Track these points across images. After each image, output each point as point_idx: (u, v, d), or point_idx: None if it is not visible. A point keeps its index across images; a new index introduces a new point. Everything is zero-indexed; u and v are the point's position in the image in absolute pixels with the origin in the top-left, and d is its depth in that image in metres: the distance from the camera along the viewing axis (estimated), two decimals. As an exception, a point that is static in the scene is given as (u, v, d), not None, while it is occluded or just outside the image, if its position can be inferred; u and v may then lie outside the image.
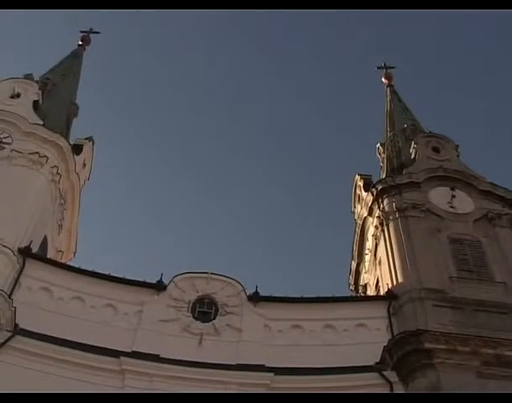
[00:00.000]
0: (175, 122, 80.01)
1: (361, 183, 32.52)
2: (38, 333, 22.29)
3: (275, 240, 74.22)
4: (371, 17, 74.21)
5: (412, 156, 32.52)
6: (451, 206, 28.40)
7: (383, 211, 28.75)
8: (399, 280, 25.30)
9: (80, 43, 42.03)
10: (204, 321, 24.02)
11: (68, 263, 30.55)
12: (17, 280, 23.93)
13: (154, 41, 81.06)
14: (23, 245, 25.00)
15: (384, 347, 22.54)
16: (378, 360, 22.45)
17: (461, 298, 23.91)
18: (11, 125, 29.75)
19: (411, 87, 74.02)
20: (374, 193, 29.66)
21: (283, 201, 75.94)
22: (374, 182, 30.83)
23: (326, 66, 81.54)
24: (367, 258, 31.07)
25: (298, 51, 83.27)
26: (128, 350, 22.61)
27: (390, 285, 25.57)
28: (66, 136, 32.33)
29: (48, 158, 28.92)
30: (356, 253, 32.63)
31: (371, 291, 29.98)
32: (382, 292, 26.68)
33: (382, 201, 29.19)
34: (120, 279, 25.03)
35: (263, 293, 25.17)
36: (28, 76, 34.09)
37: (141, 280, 25.18)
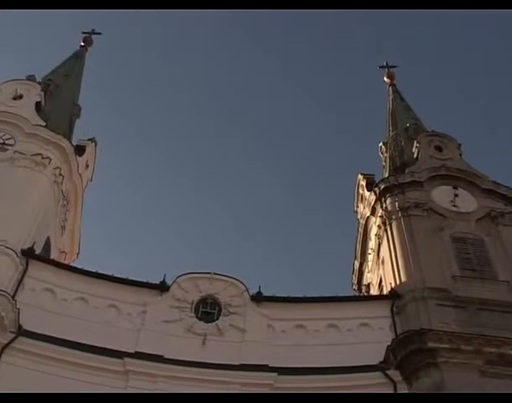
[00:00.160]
0: (177, 122, 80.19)
1: (363, 182, 32.53)
2: (41, 334, 22.33)
3: (278, 240, 74.32)
4: (372, 16, 74.39)
5: (415, 155, 32.50)
6: (454, 205, 28.38)
7: (385, 210, 28.75)
8: (403, 279, 25.30)
9: (83, 44, 42.06)
10: (207, 322, 24.04)
11: (71, 264, 30.56)
12: (20, 281, 23.97)
13: (155, 42, 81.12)
14: (26, 246, 25.05)
15: (388, 346, 22.53)
16: (381, 359, 22.45)
17: (464, 297, 23.89)
18: (14, 126, 29.79)
19: (413, 86, 74.17)
20: (377, 192, 29.65)
21: (285, 201, 76.04)
22: (377, 181, 30.81)
23: (328, 66, 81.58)
24: (370, 257, 31.06)
25: (299, 51, 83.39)
26: (132, 351, 22.63)
27: (393, 285, 25.57)
28: (69, 137, 32.38)
29: (50, 159, 28.96)
30: (359, 253, 32.63)
31: (374, 291, 29.97)
32: (385, 291, 26.68)
33: (385, 201, 29.18)
34: (123, 279, 25.05)
35: (266, 293, 25.19)
36: (31, 78, 34.13)
37: (144, 280, 25.20)
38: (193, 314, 24.22)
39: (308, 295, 25.34)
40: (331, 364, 22.36)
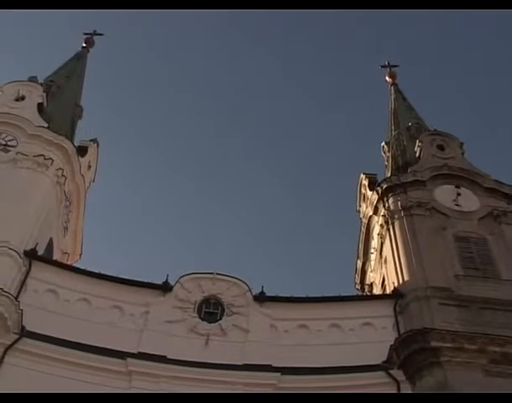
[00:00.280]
0: (180, 123, 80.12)
1: (366, 182, 32.50)
2: (44, 335, 22.35)
3: (281, 240, 74.28)
4: (373, 16, 74.33)
5: (417, 154, 32.46)
6: (457, 204, 28.34)
7: (388, 209, 28.73)
8: (405, 278, 25.28)
9: (84, 45, 42.07)
10: (210, 322, 24.04)
11: (74, 264, 30.58)
12: (23, 282, 23.99)
13: (155, 42, 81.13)
14: (29, 247, 25.08)
15: (391, 345, 22.53)
16: (384, 359, 22.45)
17: (467, 296, 23.86)
18: (16, 128, 29.81)
19: (415, 86, 74.12)
20: (379, 192, 29.64)
21: (287, 201, 76.06)
22: (379, 181, 30.82)
23: (329, 66, 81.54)
24: (372, 257, 31.04)
25: (300, 51, 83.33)
26: (135, 351, 22.65)
27: (396, 284, 25.56)
28: (71, 138, 32.41)
29: (53, 160, 28.99)
30: (361, 253, 32.61)
31: (377, 290, 29.95)
32: (388, 291, 26.66)
33: (387, 200, 29.15)
34: (126, 280, 25.06)
35: (269, 293, 25.20)
36: (33, 79, 34.16)
37: (147, 281, 25.22)
38: (196, 314, 24.23)
39: (311, 294, 25.36)
40: (334, 364, 22.35)
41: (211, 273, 25.63)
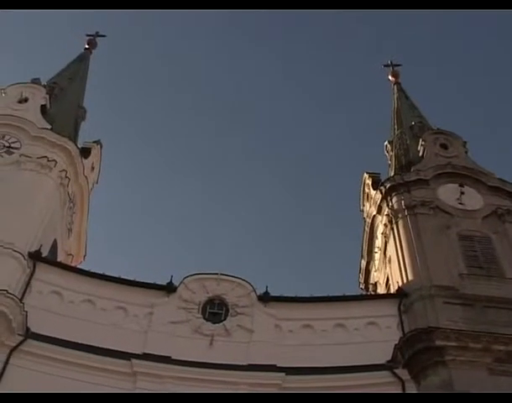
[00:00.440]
0: (183, 123, 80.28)
1: (369, 181, 32.50)
2: (49, 337, 22.39)
3: (284, 240, 74.26)
4: (375, 16, 74.34)
5: (420, 153, 32.46)
6: (461, 203, 28.32)
7: (392, 209, 28.73)
8: (409, 277, 25.27)
9: (87, 46, 42.09)
10: (215, 322, 24.05)
11: (78, 266, 30.70)
12: (28, 284, 24.03)
13: (156, 42, 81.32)
14: (33, 249, 25.13)
15: (395, 345, 22.52)
16: (389, 358, 22.45)
17: (471, 295, 23.85)
18: (19, 130, 29.85)
19: (418, 85, 74.02)
20: (383, 191, 29.63)
21: (291, 201, 76.05)
22: (383, 180, 30.81)
23: (332, 65, 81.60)
24: (376, 256, 31.04)
25: (301, 51, 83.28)
26: (139, 352, 22.66)
27: (400, 283, 25.56)
28: (74, 140, 32.40)
29: (56, 162, 29.02)
30: (365, 252, 32.62)
31: (381, 290, 29.95)
32: (392, 290, 26.66)
33: (391, 199, 29.15)
34: (130, 281, 25.09)
35: (273, 293, 25.19)
36: (36, 81, 34.19)
37: (151, 281, 25.25)
38: (200, 315, 24.24)
39: (315, 294, 25.33)
40: (338, 364, 22.35)
41: (216, 273, 25.63)
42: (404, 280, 25.41)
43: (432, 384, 21.20)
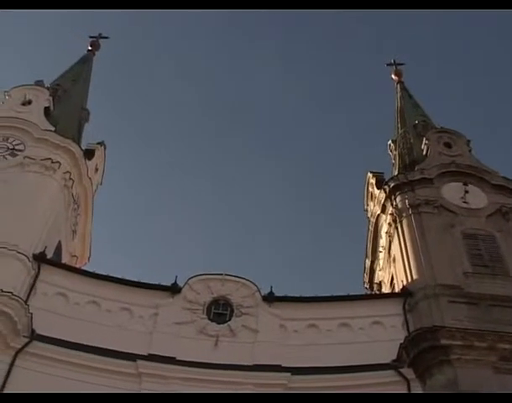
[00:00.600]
0: (187, 123, 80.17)
1: (373, 180, 32.49)
2: (54, 338, 22.41)
3: (289, 240, 74.27)
4: (377, 15, 74.16)
5: (424, 152, 32.41)
6: (465, 202, 28.28)
7: (396, 208, 28.70)
8: (414, 276, 25.25)
9: (90, 48, 42.16)
10: (219, 323, 24.06)
11: (83, 267, 30.75)
12: (32, 285, 24.07)
13: (160, 44, 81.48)
14: (37, 251, 25.15)
15: (401, 344, 22.50)
16: (394, 358, 22.42)
17: (476, 293, 23.82)
18: (23, 132, 29.90)
19: (421, 83, 73.97)
20: (387, 190, 29.62)
21: (295, 201, 75.99)
22: (387, 179, 30.81)
23: (334, 65, 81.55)
24: (381, 255, 31.02)
25: (304, 50, 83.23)
26: (145, 353, 22.67)
27: (405, 282, 25.53)
28: (78, 141, 32.46)
29: (60, 163, 29.04)
30: (370, 251, 32.61)
31: (386, 289, 29.94)
32: (397, 289, 26.64)
33: (395, 198, 29.13)
34: (135, 282, 25.10)
35: (277, 293, 25.18)
36: (39, 83, 34.25)
37: (156, 282, 25.28)
38: (205, 315, 24.25)
39: (320, 294, 25.30)
40: (344, 363, 22.33)
41: (220, 274, 25.63)
42: (409, 279, 25.39)
43: (438, 383, 21.18)
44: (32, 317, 22.63)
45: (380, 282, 31.39)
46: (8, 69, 70.17)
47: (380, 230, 30.94)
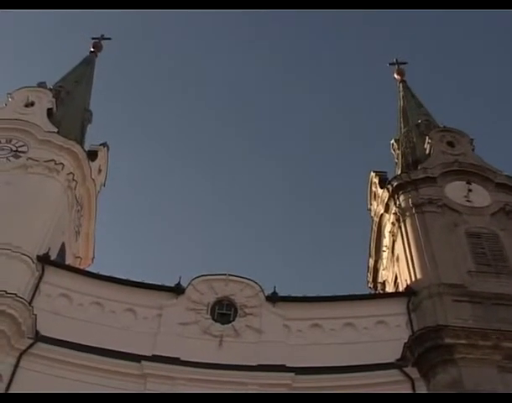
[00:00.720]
0: (190, 124, 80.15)
1: (376, 180, 32.47)
2: (58, 340, 22.44)
3: (292, 240, 74.22)
4: (382, 14, 74.11)
5: (427, 151, 32.38)
6: (468, 201, 28.25)
7: (399, 207, 28.69)
8: (418, 275, 25.24)
9: (92, 49, 42.14)
10: (223, 323, 24.05)
11: (86, 269, 30.73)
12: (36, 287, 24.08)
13: (161, 44, 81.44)
14: (41, 253, 25.15)
15: (405, 343, 22.50)
16: (398, 357, 22.42)
17: (480, 292, 23.80)
18: (26, 134, 29.91)
19: (424, 83, 73.82)
20: (390, 189, 29.59)
21: (298, 201, 75.93)
22: (390, 179, 30.77)
23: (336, 64, 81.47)
24: (384, 255, 31.00)
25: (305, 50, 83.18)
26: (149, 354, 22.68)
27: (409, 282, 25.52)
28: (81, 143, 32.43)
29: (63, 165, 29.07)
30: (373, 251, 32.57)
31: (390, 288, 29.92)
32: (401, 289, 26.63)
33: (398, 198, 29.11)
34: (139, 283, 25.10)
35: (281, 293, 25.17)
36: (42, 85, 34.28)
37: (159, 283, 25.31)
38: (209, 316, 24.25)
39: (323, 294, 25.30)
40: (348, 363, 22.34)
41: (224, 274, 25.63)
42: (413, 279, 25.38)
43: (442, 382, 21.16)
44: (36, 319, 22.64)
45: (384, 281, 31.38)
46: (11, 71, 70.33)
47: (384, 229, 30.91)
